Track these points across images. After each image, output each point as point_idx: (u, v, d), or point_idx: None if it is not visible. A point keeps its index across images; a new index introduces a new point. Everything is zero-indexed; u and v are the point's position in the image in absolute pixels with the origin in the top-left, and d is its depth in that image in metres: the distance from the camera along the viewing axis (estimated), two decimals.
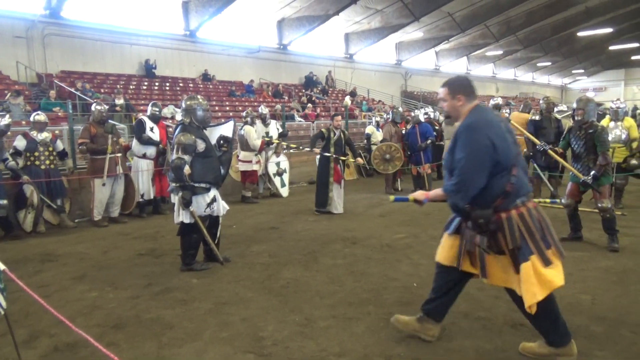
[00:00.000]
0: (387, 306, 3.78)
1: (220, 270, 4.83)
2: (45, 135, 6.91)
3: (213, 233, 4.98)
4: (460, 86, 2.87)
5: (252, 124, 8.98)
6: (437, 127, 11.17)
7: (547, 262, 2.68)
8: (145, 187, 7.62)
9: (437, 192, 2.98)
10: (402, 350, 3.06)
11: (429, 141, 9.36)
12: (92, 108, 7.33)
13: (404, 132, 10.01)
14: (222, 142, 5.08)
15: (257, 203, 8.83)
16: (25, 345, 3.22)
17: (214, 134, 5.17)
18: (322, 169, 7.70)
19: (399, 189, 10.18)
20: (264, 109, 9.50)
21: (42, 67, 15.05)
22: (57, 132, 8.37)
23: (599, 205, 5.19)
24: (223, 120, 6.56)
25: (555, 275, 2.71)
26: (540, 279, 2.66)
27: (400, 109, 10.96)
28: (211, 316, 3.68)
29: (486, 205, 2.73)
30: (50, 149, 6.94)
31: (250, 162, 8.88)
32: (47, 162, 6.86)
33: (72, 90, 13.36)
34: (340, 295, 4.04)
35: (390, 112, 10.71)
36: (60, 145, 7.22)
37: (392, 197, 3.42)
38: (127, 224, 7.26)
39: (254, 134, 8.82)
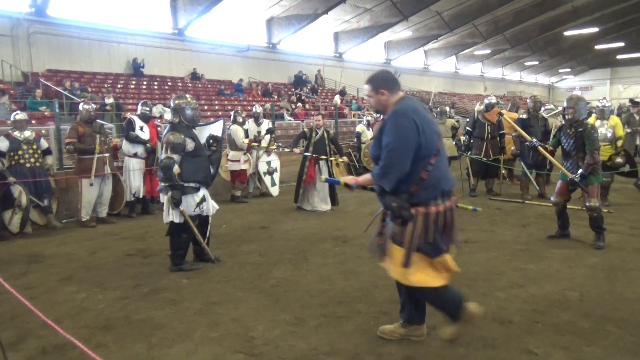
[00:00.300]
0: (377, 304, 3.79)
1: (210, 270, 4.80)
2: (27, 134, 6.83)
3: (203, 232, 4.96)
4: (383, 80, 2.94)
5: (241, 123, 8.94)
6: None
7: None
8: (137, 185, 7.58)
9: (366, 177, 3.01)
10: (393, 348, 3.07)
11: None
12: (80, 107, 7.25)
13: None
14: (211, 141, 5.06)
15: (247, 202, 8.81)
16: (12, 347, 3.17)
17: (204, 133, 5.14)
18: (300, 167, 7.90)
19: None
20: (257, 108, 9.45)
21: (27, 65, 14.84)
22: (43, 131, 8.28)
23: (587, 204, 5.20)
24: (212, 120, 6.54)
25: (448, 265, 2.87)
26: (430, 270, 2.84)
27: None
28: (201, 316, 3.66)
29: (400, 191, 2.79)
30: (35, 147, 6.86)
31: (238, 161, 8.84)
32: (32, 160, 6.78)
33: (59, 89, 13.20)
34: (330, 294, 4.05)
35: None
36: (44, 143, 7.14)
37: (323, 178, 3.42)
38: (115, 224, 7.19)
39: (241, 133, 8.79)
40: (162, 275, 4.67)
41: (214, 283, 4.41)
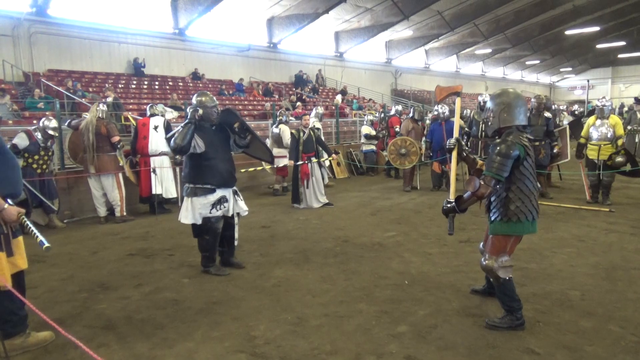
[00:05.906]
0: (378, 304, 3.79)
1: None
2: (49, 144, 6.89)
3: (228, 235, 4.81)
4: None
5: (286, 122, 9.42)
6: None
7: None
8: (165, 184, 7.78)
9: None
10: (394, 347, 3.07)
11: None
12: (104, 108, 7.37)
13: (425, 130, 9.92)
14: (237, 130, 4.70)
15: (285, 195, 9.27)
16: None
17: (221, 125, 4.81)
18: (294, 169, 8.11)
19: (417, 187, 9.87)
20: (320, 110, 10.18)
21: (28, 65, 14.85)
22: None
23: (481, 261, 3.36)
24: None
25: None
26: None
27: (421, 107, 11.36)
28: (202, 316, 3.67)
29: None
30: (50, 153, 6.95)
31: (285, 157, 9.20)
32: (44, 166, 6.83)
33: (60, 89, 13.21)
34: (331, 294, 4.05)
35: (411, 110, 10.62)
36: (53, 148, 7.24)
37: None
38: (117, 224, 7.20)
39: (288, 132, 9.10)
40: (163, 275, 4.68)
41: (215, 283, 4.41)
